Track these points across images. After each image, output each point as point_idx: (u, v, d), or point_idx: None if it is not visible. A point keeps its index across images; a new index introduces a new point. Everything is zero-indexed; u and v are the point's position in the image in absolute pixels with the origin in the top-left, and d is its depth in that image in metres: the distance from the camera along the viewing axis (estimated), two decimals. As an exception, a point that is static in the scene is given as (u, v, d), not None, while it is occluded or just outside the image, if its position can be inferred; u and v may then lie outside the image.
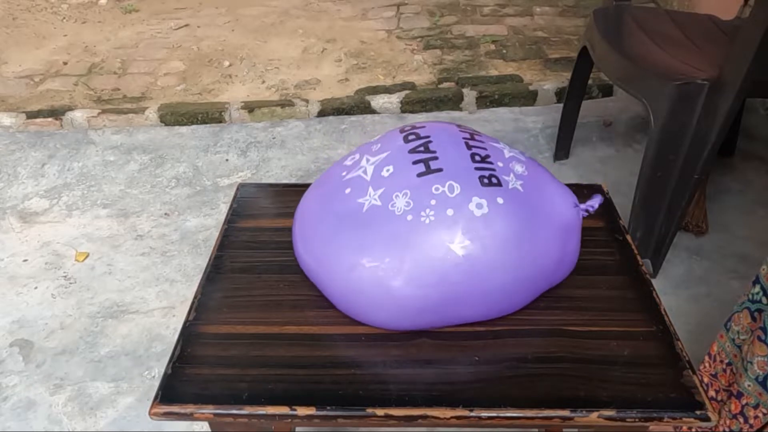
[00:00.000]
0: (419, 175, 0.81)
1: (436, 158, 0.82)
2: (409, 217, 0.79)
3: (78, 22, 3.45)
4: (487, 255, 0.78)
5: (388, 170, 0.83)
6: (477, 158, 0.83)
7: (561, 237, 0.84)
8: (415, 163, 0.82)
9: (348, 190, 0.85)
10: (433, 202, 0.79)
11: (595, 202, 0.87)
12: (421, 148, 0.84)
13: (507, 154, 0.87)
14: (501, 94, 2.63)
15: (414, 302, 0.79)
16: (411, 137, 0.86)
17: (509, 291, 0.82)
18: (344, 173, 0.88)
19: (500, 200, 0.79)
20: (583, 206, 0.88)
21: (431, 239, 0.78)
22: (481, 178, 0.80)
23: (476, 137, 0.88)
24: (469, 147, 0.84)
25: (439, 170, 0.81)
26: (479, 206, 0.78)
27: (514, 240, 0.79)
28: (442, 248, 0.78)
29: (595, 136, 2.42)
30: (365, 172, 0.85)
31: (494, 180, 0.81)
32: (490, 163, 0.83)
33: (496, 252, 0.78)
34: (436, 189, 0.79)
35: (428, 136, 0.86)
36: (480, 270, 0.78)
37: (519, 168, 0.85)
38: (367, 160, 0.86)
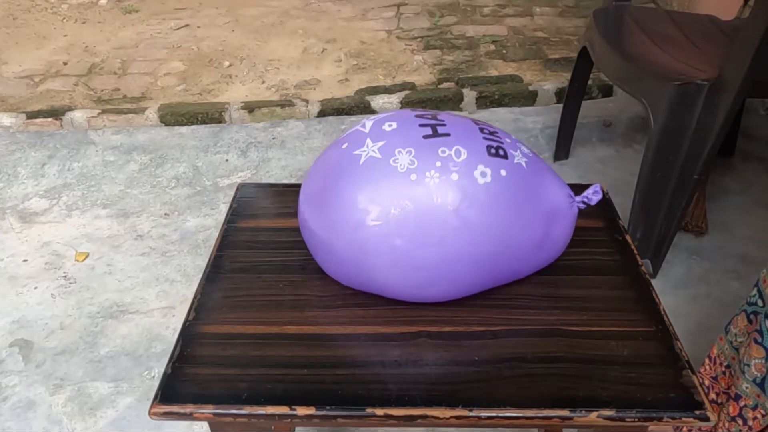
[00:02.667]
0: (425, 136, 0.81)
1: (444, 125, 0.82)
2: (413, 176, 0.78)
3: (78, 22, 3.45)
4: (482, 220, 0.79)
5: (390, 125, 0.82)
6: (486, 131, 0.84)
7: (547, 219, 0.85)
8: (422, 126, 0.82)
9: (345, 145, 0.84)
10: (438, 164, 0.79)
11: (591, 192, 0.87)
12: (429, 116, 0.84)
13: (513, 138, 0.88)
14: (501, 95, 2.63)
15: (414, 261, 0.80)
16: (418, 110, 0.87)
17: (498, 257, 0.83)
18: (343, 134, 0.88)
19: (503, 172, 0.80)
20: (578, 198, 0.88)
21: (435, 201, 0.78)
22: (488, 147, 0.81)
23: (482, 123, 0.89)
24: (477, 123, 0.86)
25: (447, 135, 0.81)
26: (483, 174, 0.79)
27: (508, 210, 0.81)
28: (444, 212, 0.78)
29: (595, 137, 2.42)
30: (364, 126, 0.84)
31: (501, 152, 0.82)
32: (499, 138, 0.84)
33: (491, 218, 0.80)
34: (443, 151, 0.79)
35: (436, 113, 0.87)
36: (475, 233, 0.79)
37: (524, 148, 0.87)
38: (368, 118, 0.86)
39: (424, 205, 0.78)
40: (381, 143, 0.81)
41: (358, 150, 0.82)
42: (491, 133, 0.84)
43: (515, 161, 0.83)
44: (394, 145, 0.80)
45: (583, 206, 0.88)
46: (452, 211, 0.78)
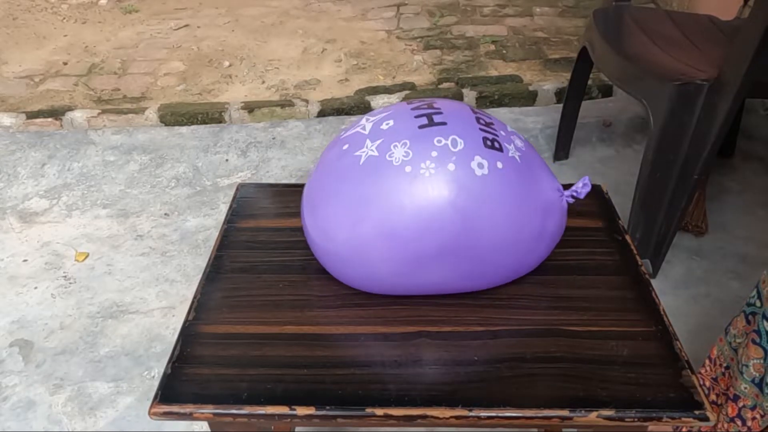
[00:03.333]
0: (421, 127, 0.80)
1: (440, 113, 0.82)
2: (408, 168, 0.78)
3: (78, 22, 3.45)
4: (480, 213, 0.79)
5: (387, 124, 0.83)
6: (482, 122, 0.84)
7: (542, 213, 0.85)
8: (417, 117, 0.82)
9: (346, 146, 0.85)
10: (434, 154, 0.78)
11: (580, 186, 0.87)
12: (425, 106, 0.84)
13: (509, 129, 0.88)
14: (501, 95, 2.63)
15: (411, 253, 0.80)
16: (415, 102, 0.87)
17: (496, 251, 0.82)
18: (343, 133, 0.88)
19: (500, 165, 0.80)
20: (567, 192, 0.88)
21: (430, 193, 0.78)
22: (484, 139, 0.81)
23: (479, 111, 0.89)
24: (474, 112, 0.86)
25: (443, 123, 0.81)
26: (480, 166, 0.79)
27: (506, 203, 0.80)
28: (440, 203, 0.78)
29: (595, 137, 2.42)
30: (364, 128, 0.85)
31: (496, 144, 0.81)
32: (494, 129, 0.84)
33: (489, 211, 0.79)
34: (438, 141, 0.79)
35: (433, 101, 0.87)
36: (473, 226, 0.79)
37: (518, 141, 0.86)
38: (367, 120, 0.86)
39: (419, 198, 0.78)
40: (379, 141, 0.81)
41: (358, 151, 0.82)
42: (487, 124, 0.84)
43: (509, 155, 0.82)
44: (390, 140, 0.81)
45: (572, 200, 0.88)
46: (449, 203, 0.78)
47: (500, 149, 0.81)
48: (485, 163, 0.79)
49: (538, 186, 0.85)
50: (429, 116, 0.82)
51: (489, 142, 0.81)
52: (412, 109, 0.84)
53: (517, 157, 0.83)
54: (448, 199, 0.78)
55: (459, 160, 0.78)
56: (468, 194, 0.78)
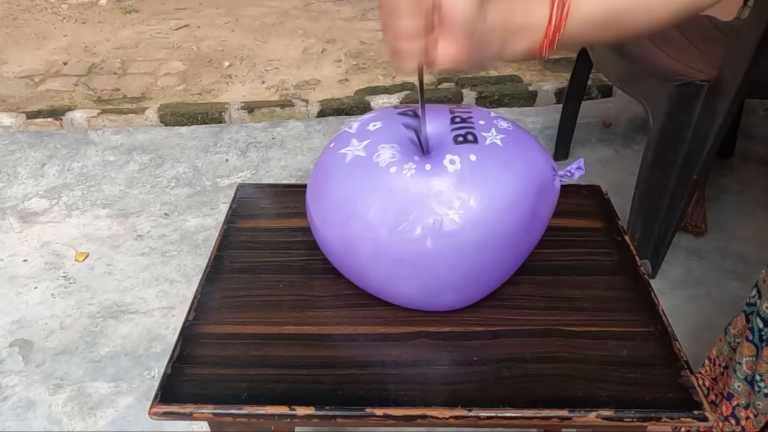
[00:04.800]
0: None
1: (419, 118, 0.85)
2: (393, 169, 0.80)
3: (78, 22, 3.45)
4: (461, 209, 0.79)
5: (375, 125, 0.85)
6: (457, 120, 0.85)
7: (533, 197, 0.83)
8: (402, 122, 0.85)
9: (332, 145, 0.86)
10: (416, 157, 0.81)
11: (574, 167, 0.86)
12: (410, 113, 0.87)
13: (492, 114, 0.88)
14: (500, 95, 2.63)
15: (396, 254, 0.80)
16: (401, 108, 0.89)
17: (483, 248, 0.81)
18: (333, 136, 0.91)
19: (473, 157, 0.80)
20: (561, 172, 0.87)
21: (411, 191, 0.79)
22: (456, 137, 0.82)
23: (461, 107, 0.90)
24: (452, 112, 0.87)
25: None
26: (452, 162, 0.80)
27: (486, 196, 0.79)
28: (420, 203, 0.78)
29: (595, 137, 2.42)
30: (350, 127, 0.87)
31: (470, 137, 0.82)
32: (471, 123, 0.84)
33: (469, 208, 0.79)
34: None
35: (417, 107, 0.88)
36: (456, 225, 0.79)
37: (503, 123, 0.86)
38: (356, 120, 0.88)
39: (401, 198, 0.79)
40: (366, 142, 0.83)
41: (344, 149, 0.83)
42: (463, 120, 0.85)
43: (487, 142, 0.82)
44: (379, 142, 0.82)
45: (564, 180, 0.87)
46: (428, 202, 0.78)
47: (474, 141, 0.81)
48: (456, 158, 0.80)
49: (528, 166, 0.84)
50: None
51: (461, 138, 0.82)
52: (399, 113, 0.87)
53: (498, 141, 0.82)
54: (426, 197, 0.78)
55: (433, 161, 0.80)
56: (445, 192, 0.78)
